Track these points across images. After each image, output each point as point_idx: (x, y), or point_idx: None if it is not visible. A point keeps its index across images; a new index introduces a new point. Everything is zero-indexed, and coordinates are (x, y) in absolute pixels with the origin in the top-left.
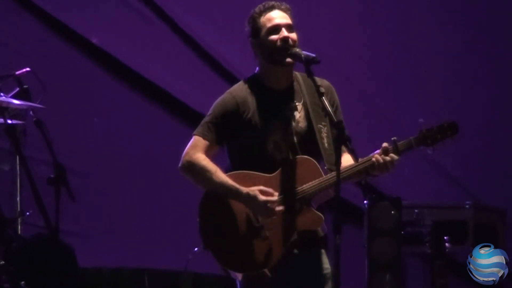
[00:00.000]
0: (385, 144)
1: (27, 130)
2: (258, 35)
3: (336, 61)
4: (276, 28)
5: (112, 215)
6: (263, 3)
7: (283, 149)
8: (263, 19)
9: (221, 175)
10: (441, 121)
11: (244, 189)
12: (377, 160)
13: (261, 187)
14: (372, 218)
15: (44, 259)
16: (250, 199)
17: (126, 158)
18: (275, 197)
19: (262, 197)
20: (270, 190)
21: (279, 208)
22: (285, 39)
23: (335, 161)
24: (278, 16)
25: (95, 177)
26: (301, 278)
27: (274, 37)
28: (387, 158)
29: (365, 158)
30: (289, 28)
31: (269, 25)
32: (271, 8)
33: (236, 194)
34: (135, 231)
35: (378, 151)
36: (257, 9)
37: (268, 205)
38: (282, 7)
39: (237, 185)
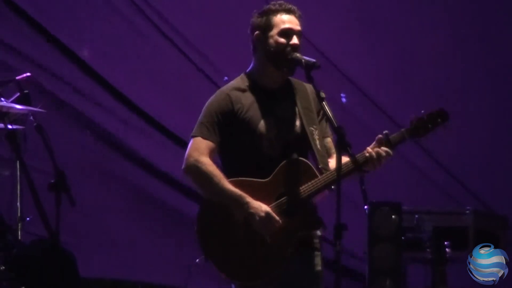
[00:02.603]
0: (380, 136)
1: (27, 135)
2: (267, 32)
3: (336, 60)
4: (288, 32)
5: (112, 226)
6: (280, 2)
7: (277, 147)
8: (277, 18)
9: (227, 184)
10: (430, 109)
11: (252, 210)
12: (370, 154)
13: (270, 212)
14: (373, 224)
15: (45, 265)
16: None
17: (125, 167)
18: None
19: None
20: (277, 219)
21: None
22: (294, 47)
23: (336, 167)
24: (293, 21)
25: (93, 186)
26: (295, 280)
27: (283, 40)
28: (380, 151)
29: (358, 155)
30: (299, 36)
31: (282, 26)
32: (288, 11)
33: (241, 207)
34: (135, 244)
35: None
36: (273, 6)
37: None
38: (297, 14)
39: (247, 198)
